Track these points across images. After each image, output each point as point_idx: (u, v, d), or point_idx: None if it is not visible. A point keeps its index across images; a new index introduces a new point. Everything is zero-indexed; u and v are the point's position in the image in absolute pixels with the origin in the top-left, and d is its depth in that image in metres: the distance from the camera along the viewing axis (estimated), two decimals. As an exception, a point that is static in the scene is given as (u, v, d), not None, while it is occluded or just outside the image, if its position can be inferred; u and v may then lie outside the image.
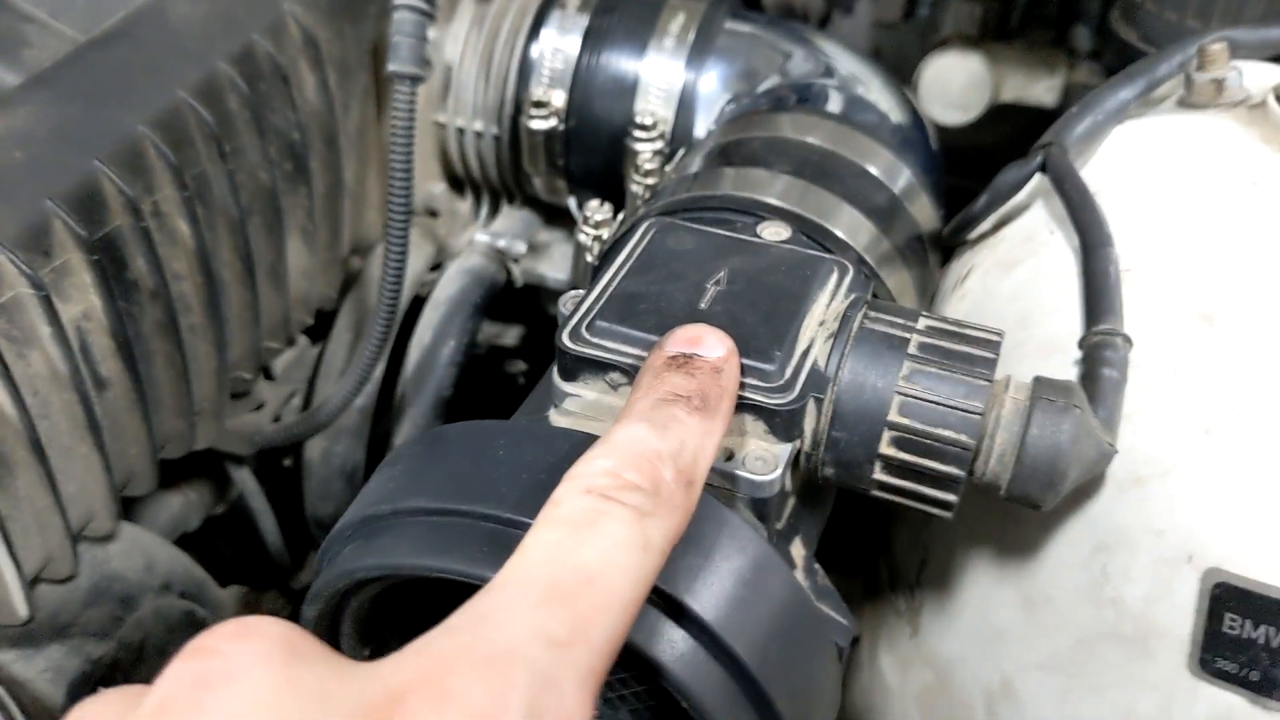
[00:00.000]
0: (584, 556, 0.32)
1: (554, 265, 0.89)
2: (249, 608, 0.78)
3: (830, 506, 0.59)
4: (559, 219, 0.93)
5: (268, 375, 0.80)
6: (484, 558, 0.39)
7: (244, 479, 0.79)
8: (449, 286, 0.82)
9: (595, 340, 0.47)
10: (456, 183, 0.92)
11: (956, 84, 1.01)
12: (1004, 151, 0.76)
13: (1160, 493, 0.50)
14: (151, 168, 0.58)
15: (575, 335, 0.47)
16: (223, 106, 0.63)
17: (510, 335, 0.93)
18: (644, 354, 0.46)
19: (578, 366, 0.47)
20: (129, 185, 0.56)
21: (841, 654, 0.46)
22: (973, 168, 0.88)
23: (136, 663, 0.63)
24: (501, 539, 0.40)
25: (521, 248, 0.86)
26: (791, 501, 0.50)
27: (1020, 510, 0.58)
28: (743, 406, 0.45)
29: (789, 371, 0.45)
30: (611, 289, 0.49)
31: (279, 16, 0.69)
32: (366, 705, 0.28)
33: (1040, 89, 1.03)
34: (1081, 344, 0.52)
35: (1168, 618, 0.50)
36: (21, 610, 0.54)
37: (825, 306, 0.49)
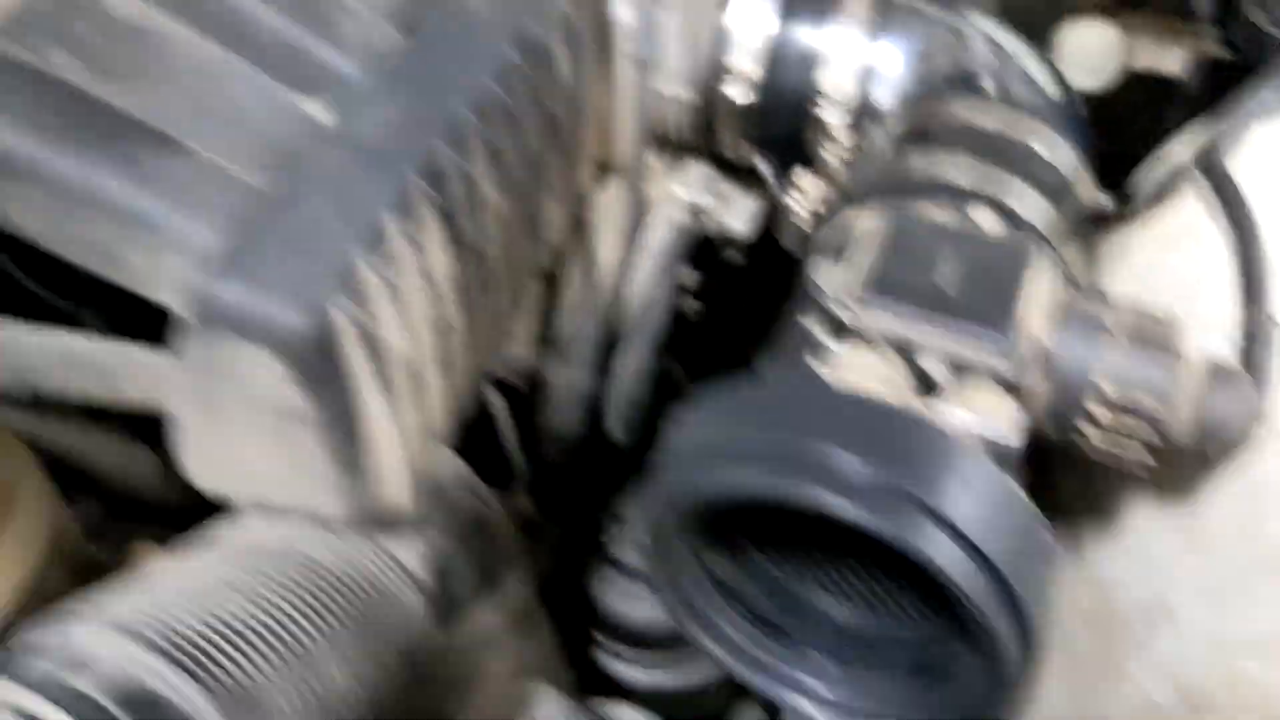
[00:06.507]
0: None
1: (733, 215, 1.02)
2: (505, 503, 0.94)
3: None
4: (733, 171, 1.06)
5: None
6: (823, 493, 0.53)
7: (492, 396, 0.95)
8: (658, 234, 0.96)
9: (868, 311, 0.61)
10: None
11: (1094, 51, 1.11)
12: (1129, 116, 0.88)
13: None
14: (473, 147, 0.71)
15: (847, 307, 0.61)
16: (512, 88, 0.76)
17: (688, 277, 1.07)
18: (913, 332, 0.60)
19: (851, 334, 0.61)
20: (461, 159, 0.70)
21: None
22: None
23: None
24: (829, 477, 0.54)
25: (711, 201, 0.99)
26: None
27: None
28: (983, 371, 0.59)
29: (1021, 344, 0.59)
30: (872, 270, 0.63)
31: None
32: None
33: (1169, 58, 1.12)
34: (1243, 324, 0.65)
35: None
36: (410, 504, 0.69)
37: (1041, 289, 0.63)
